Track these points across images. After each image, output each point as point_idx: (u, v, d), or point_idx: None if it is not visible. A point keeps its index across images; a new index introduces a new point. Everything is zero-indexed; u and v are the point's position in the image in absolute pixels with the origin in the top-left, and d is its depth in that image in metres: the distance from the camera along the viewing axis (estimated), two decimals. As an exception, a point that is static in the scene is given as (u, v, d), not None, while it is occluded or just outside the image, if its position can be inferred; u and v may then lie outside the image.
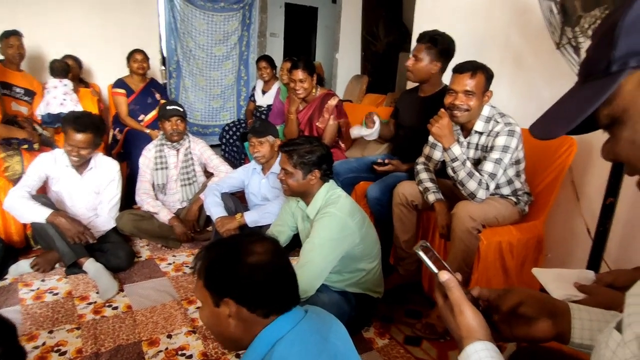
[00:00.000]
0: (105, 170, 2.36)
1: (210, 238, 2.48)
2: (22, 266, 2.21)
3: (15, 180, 2.34)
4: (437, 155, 2.08)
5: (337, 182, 2.08)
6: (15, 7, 3.48)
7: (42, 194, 2.28)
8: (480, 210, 1.78)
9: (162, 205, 2.58)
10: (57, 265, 2.28)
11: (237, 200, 2.44)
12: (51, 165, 2.27)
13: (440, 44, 2.17)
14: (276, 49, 6.03)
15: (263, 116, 3.75)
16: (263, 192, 2.37)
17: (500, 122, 1.80)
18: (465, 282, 1.07)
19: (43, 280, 2.16)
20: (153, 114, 3.41)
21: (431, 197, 1.95)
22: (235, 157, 3.51)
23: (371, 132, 2.44)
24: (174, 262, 2.42)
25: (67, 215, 2.18)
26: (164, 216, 2.54)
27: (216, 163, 2.64)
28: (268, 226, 2.07)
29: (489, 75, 1.80)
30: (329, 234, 1.59)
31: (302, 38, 6.82)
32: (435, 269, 0.68)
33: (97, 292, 2.06)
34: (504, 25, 2.37)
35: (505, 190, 1.91)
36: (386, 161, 2.38)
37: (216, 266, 0.90)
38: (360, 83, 4.72)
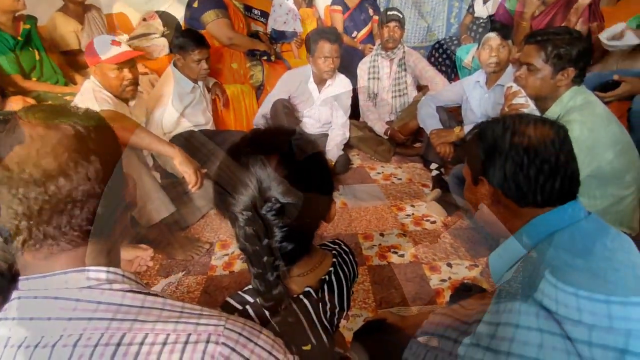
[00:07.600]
0: (340, 85, 2.44)
1: (421, 153, 2.43)
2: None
3: (257, 87, 2.74)
4: None
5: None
6: None
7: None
8: None
9: (378, 118, 2.65)
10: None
11: (451, 115, 2.29)
12: (296, 83, 2.39)
13: None
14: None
15: (480, 30, 3.34)
16: (484, 108, 2.14)
17: None
18: None
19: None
20: (365, 30, 3.44)
21: None
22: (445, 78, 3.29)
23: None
24: (382, 172, 2.50)
25: None
26: (379, 129, 2.63)
27: (431, 74, 2.51)
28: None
29: None
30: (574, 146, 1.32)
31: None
32: None
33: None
34: None
35: None
36: (615, 77, 1.73)
37: (477, 142, 0.83)
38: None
